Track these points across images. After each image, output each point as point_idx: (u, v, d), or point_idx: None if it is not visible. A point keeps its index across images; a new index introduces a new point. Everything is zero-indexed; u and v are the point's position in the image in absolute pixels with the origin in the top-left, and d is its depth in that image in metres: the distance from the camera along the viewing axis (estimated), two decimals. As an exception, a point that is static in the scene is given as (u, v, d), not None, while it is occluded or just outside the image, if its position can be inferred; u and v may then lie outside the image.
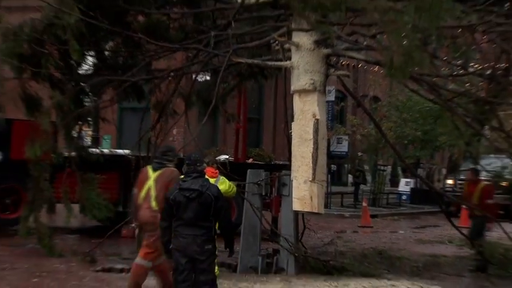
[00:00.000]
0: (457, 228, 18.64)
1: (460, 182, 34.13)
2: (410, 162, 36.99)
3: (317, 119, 14.63)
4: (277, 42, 16.09)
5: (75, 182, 16.87)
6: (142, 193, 12.50)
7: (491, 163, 27.73)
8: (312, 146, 14.48)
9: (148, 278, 12.66)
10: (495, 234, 17.91)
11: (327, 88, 16.05)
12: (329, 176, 16.52)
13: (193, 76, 18.79)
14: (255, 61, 17.35)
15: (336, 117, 39.97)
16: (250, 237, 16.52)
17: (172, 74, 18.30)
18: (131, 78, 17.45)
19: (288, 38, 15.32)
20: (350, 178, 41.67)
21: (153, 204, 12.24)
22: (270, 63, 17.00)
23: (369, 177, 41.35)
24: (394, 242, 22.08)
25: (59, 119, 16.66)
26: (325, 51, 15.17)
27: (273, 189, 18.29)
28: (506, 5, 15.47)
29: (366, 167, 42.33)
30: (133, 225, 15.90)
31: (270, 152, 29.81)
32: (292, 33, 15.29)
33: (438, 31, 13.16)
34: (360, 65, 25.06)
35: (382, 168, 42.51)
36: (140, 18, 17.45)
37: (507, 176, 27.23)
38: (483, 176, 29.41)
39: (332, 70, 15.78)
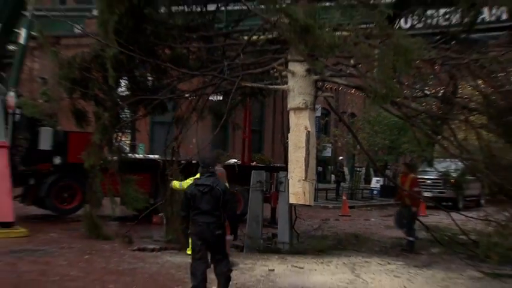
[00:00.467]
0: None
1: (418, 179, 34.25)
2: (379, 164, 37.02)
3: (308, 131, 14.83)
4: (276, 70, 16.17)
5: (117, 180, 16.90)
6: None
7: (447, 166, 27.88)
8: (305, 152, 14.70)
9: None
10: (446, 221, 17.97)
11: (316, 106, 16.12)
12: (317, 175, 16.53)
13: (208, 96, 18.80)
14: (259, 85, 17.43)
15: (321, 129, 40.00)
16: (253, 224, 16.69)
17: (191, 94, 18.36)
18: (159, 97, 17.58)
19: (285, 67, 15.44)
20: (333, 177, 41.70)
21: None
22: (270, 86, 17.08)
23: (347, 177, 41.59)
24: (367, 227, 22.09)
25: (102, 131, 16.68)
26: (315, 77, 15.33)
27: (272, 186, 18.42)
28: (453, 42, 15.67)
29: (345, 168, 42.57)
30: (161, 214, 15.99)
31: (269, 157, 29.75)
32: (288, 63, 15.39)
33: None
34: (340, 88, 25.05)
35: (358, 169, 42.88)
36: (166, 51, 17.49)
37: (454, 175, 27.41)
38: (436, 175, 29.68)
39: (320, 92, 15.93)
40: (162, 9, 17.58)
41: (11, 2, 19.87)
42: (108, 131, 16.75)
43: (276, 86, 16.89)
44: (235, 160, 24.81)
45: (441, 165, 28.70)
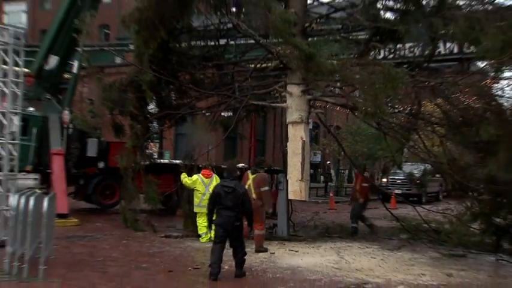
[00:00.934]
0: (387, 209, 18.65)
1: (391, 179, 34.16)
2: (360, 167, 37.17)
3: (304, 141, 14.99)
4: (276, 91, 16.20)
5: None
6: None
7: (412, 168, 27.96)
8: (301, 157, 14.88)
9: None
10: (412, 213, 17.77)
11: (309, 120, 16.17)
12: (310, 176, 16.60)
13: (220, 112, 18.84)
14: (263, 103, 17.43)
15: (313, 139, 39.94)
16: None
17: (207, 111, 18.38)
18: (181, 113, 17.69)
19: (284, 89, 15.49)
20: (322, 178, 41.72)
21: (253, 195, 13.52)
22: (273, 104, 17.07)
23: (334, 177, 41.59)
24: (346, 218, 22.02)
25: (135, 139, 16.71)
26: (308, 97, 15.45)
27: (273, 185, 18.37)
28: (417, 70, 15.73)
29: (332, 171, 42.55)
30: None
31: (271, 162, 29.63)
32: (287, 85, 15.45)
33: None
34: (328, 106, 25.08)
35: (342, 171, 42.94)
36: (187, 76, 17.54)
37: (417, 175, 27.50)
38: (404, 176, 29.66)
39: (312, 109, 16.06)
40: (184, 43, 17.60)
41: (67, 41, 19.96)
42: (140, 140, 16.87)
43: (277, 104, 16.92)
44: (243, 164, 24.78)
45: (408, 168, 28.85)
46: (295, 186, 14.78)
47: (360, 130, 34.56)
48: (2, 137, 13.52)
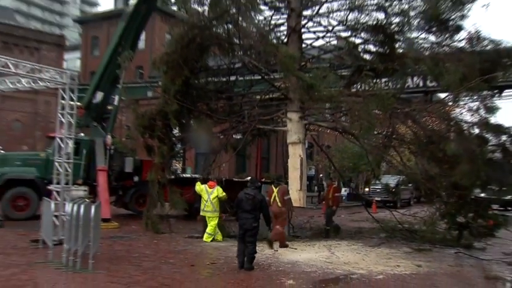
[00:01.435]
0: (369, 213, 18.65)
1: (372, 188, 34.03)
2: (346, 179, 37.18)
3: (301, 158, 15.15)
4: (279, 117, 16.37)
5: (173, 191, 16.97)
6: (272, 199, 13.78)
7: (395, 178, 27.98)
8: (300, 172, 14.91)
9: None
10: (389, 216, 17.69)
11: (305, 141, 16.30)
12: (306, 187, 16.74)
13: (232, 135, 18.88)
14: (268, 127, 17.58)
15: (308, 156, 39.93)
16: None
17: (220, 134, 18.48)
18: (201, 137, 17.61)
19: (285, 115, 15.65)
20: (316, 188, 41.57)
21: (279, 204, 13.64)
22: (276, 128, 17.23)
23: (325, 187, 41.42)
24: (339, 221, 21.86)
25: (162, 158, 16.76)
26: (305, 122, 15.65)
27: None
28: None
29: (324, 182, 42.44)
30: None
31: (274, 175, 29.71)
32: (287, 113, 15.59)
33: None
34: (320, 129, 25.21)
35: (333, 182, 42.71)
36: (204, 106, 17.62)
37: (390, 185, 27.47)
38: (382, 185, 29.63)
39: (308, 132, 16.16)
40: (202, 80, 17.68)
41: (110, 79, 20.20)
42: (166, 158, 16.78)
43: (279, 128, 17.16)
44: (251, 177, 24.90)
45: (387, 179, 28.85)
46: (296, 195, 14.92)
47: (347, 148, 34.54)
48: (60, 157, 13.78)
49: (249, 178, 22.12)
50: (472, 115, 14.22)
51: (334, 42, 17.28)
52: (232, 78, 18.10)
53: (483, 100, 13.83)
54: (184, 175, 25.25)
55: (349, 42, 16.44)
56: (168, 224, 16.92)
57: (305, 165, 15.88)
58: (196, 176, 20.39)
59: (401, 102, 15.48)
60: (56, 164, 14.05)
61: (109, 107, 21.11)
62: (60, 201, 13.36)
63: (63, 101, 13.97)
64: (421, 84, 20.41)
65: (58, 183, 13.82)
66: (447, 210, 14.52)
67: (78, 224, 10.33)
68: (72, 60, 56.69)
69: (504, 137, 14.41)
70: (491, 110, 13.89)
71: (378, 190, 31.20)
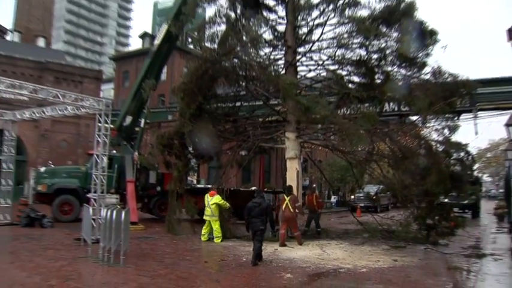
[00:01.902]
0: (355, 217, 18.59)
1: (357, 196, 33.88)
2: (335, 188, 37.09)
3: (298, 171, 15.14)
4: (278, 136, 16.40)
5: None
6: (284, 205, 13.87)
7: (376, 187, 27.96)
8: (296, 183, 14.87)
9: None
10: (371, 219, 17.61)
11: (300, 156, 16.28)
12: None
13: (238, 152, 18.85)
14: (269, 145, 17.58)
15: (303, 169, 39.79)
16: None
17: (228, 151, 18.50)
18: (211, 152, 17.67)
19: (283, 135, 15.69)
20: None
21: (291, 210, 13.71)
22: (276, 146, 17.22)
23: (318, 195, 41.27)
24: (329, 224, 21.86)
25: (179, 172, 16.68)
26: (300, 140, 15.64)
27: (276, 201, 18.33)
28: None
29: (317, 191, 42.21)
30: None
31: (274, 185, 29.68)
32: (285, 132, 15.62)
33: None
34: (313, 146, 25.23)
35: (323, 191, 42.56)
36: (214, 127, 17.57)
37: (371, 193, 27.27)
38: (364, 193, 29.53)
39: (303, 149, 16.19)
40: (213, 105, 17.59)
41: (137, 106, 20.34)
42: (182, 172, 16.63)
43: (278, 146, 17.13)
44: (255, 187, 24.83)
45: (370, 188, 28.82)
46: (292, 203, 14.86)
47: (335, 162, 34.44)
48: (97, 170, 13.90)
49: (253, 188, 22.20)
50: (438, 135, 14.37)
51: (324, 73, 17.36)
52: (238, 104, 18.09)
53: (446, 121, 14.00)
54: (198, 186, 25.30)
55: (337, 74, 16.50)
56: (185, 226, 16.90)
57: (301, 177, 15.87)
58: (209, 186, 20.44)
59: (380, 123, 15.51)
60: (94, 176, 14.20)
61: (136, 129, 21.26)
62: (97, 207, 13.49)
63: (99, 124, 14.15)
64: (396, 108, 20.44)
65: (95, 192, 13.95)
66: (418, 214, 14.54)
67: (111, 226, 10.42)
68: (107, 90, 57.24)
69: (462, 153, 14.56)
70: (453, 129, 14.09)
71: (362, 197, 31.16)
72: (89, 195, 14.88)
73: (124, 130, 20.59)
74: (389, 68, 15.79)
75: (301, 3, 16.48)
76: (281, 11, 16.97)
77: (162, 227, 17.76)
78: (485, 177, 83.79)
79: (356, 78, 16.85)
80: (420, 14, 15.30)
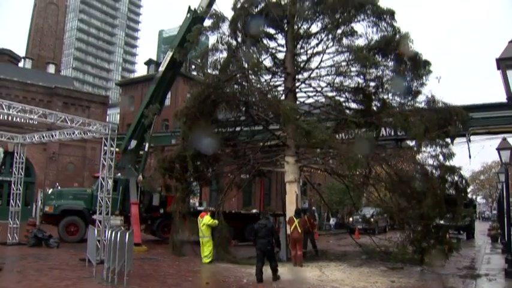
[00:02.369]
0: (353, 239, 18.52)
1: (356, 218, 33.68)
2: (334, 211, 36.93)
3: (297, 194, 15.05)
4: (278, 160, 16.40)
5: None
6: (293, 227, 13.93)
7: (373, 210, 27.77)
8: (295, 206, 14.80)
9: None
10: (369, 241, 17.47)
11: (300, 180, 16.24)
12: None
13: (239, 175, 18.77)
14: (269, 168, 17.57)
15: (302, 192, 39.61)
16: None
17: (228, 174, 18.46)
18: (211, 175, 17.76)
19: (283, 159, 15.68)
20: (309, 218, 41.12)
21: (300, 231, 13.77)
22: (276, 169, 17.21)
23: (317, 218, 40.96)
24: (328, 246, 21.68)
25: (180, 195, 16.67)
26: (300, 164, 15.61)
27: (276, 223, 18.19)
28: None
29: (316, 213, 42.01)
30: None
31: (274, 208, 29.51)
32: (285, 156, 15.61)
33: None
34: (312, 170, 25.17)
35: (322, 213, 42.31)
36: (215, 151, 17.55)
37: (367, 216, 27.07)
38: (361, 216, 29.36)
39: (302, 172, 16.15)
40: (214, 129, 17.58)
41: (142, 130, 20.37)
42: (183, 195, 16.64)
43: (278, 169, 17.11)
44: (256, 210, 24.76)
45: (367, 211, 28.67)
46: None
47: (334, 186, 34.39)
48: (102, 192, 13.90)
49: (254, 211, 22.09)
50: (433, 160, 14.38)
51: (322, 99, 17.46)
52: (238, 128, 18.06)
53: (441, 148, 14.05)
54: (199, 208, 25.18)
55: (335, 100, 16.59)
56: (188, 248, 16.78)
57: (300, 200, 15.80)
58: (211, 208, 20.39)
59: (377, 148, 15.54)
60: (99, 198, 14.19)
61: (141, 152, 21.28)
62: (102, 228, 13.42)
63: (105, 148, 14.22)
64: (392, 133, 20.50)
65: (100, 213, 13.92)
66: (414, 237, 14.45)
67: (116, 247, 10.35)
68: (113, 115, 57.68)
69: (456, 177, 14.56)
70: (448, 156, 14.10)
71: (360, 219, 31.03)
72: (94, 216, 14.86)
73: (129, 153, 20.59)
74: (385, 96, 15.91)
75: (300, 32, 16.66)
76: (281, 39, 17.17)
77: (164, 248, 17.64)
78: (479, 199, 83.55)
79: (353, 105, 16.95)
80: (415, 45, 15.53)
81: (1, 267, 11.63)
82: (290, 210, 15.11)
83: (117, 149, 15.37)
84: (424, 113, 14.29)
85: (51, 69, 44.11)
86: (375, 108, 16.14)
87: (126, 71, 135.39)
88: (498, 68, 7.42)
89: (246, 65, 14.86)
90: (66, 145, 31.83)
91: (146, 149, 21.17)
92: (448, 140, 14.69)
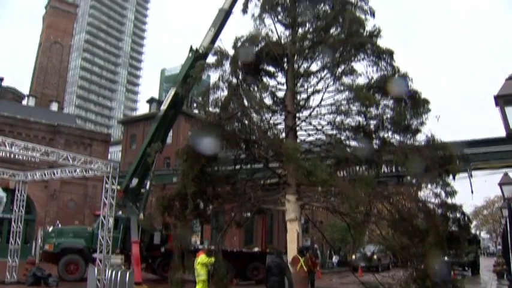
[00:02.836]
0: (356, 277, 18.24)
1: (359, 256, 33.25)
2: (336, 249, 36.50)
3: (298, 233, 14.88)
4: (279, 198, 16.35)
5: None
6: (299, 266, 13.42)
7: (376, 248, 27.51)
8: (296, 244, 14.66)
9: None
10: (372, 278, 17.17)
11: (301, 218, 16.14)
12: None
13: (239, 213, 18.61)
14: (270, 206, 17.49)
15: (304, 230, 39.37)
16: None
17: (229, 212, 18.33)
18: (211, 213, 17.50)
19: (284, 197, 15.63)
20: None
21: (305, 270, 13.41)
22: (277, 208, 17.12)
23: (319, 256, 40.50)
24: (331, 285, 21.35)
25: (181, 231, 16.54)
26: (301, 202, 15.52)
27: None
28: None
29: (318, 251, 41.54)
30: None
31: (276, 246, 29.22)
32: (286, 195, 15.56)
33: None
34: (314, 208, 25.06)
35: (325, 251, 41.83)
36: (214, 190, 17.43)
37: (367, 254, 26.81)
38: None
39: (303, 210, 16.05)
40: (214, 168, 17.56)
41: (143, 168, 20.45)
42: (182, 232, 16.47)
43: (279, 207, 17.01)
44: (257, 248, 24.51)
45: (368, 249, 28.37)
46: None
47: (336, 223, 34.17)
48: (102, 230, 13.85)
49: (256, 249, 21.85)
50: (435, 198, 14.34)
51: (323, 138, 17.53)
52: (238, 166, 18.02)
53: (443, 186, 14.05)
54: (200, 246, 24.93)
55: (336, 138, 16.67)
56: (188, 286, 16.52)
57: (301, 239, 15.65)
58: (212, 247, 20.19)
59: (378, 185, 15.51)
60: (100, 236, 14.13)
61: (142, 190, 21.29)
62: (102, 267, 13.29)
63: (106, 186, 14.27)
64: (393, 170, 20.57)
65: (101, 252, 13.82)
66: (417, 275, 14.20)
67: (116, 287, 10.24)
68: (115, 153, 57.91)
69: (458, 214, 14.48)
70: (450, 194, 14.07)
71: (363, 257, 30.70)
72: (94, 255, 14.75)
73: (130, 192, 20.61)
74: (385, 134, 16.03)
75: (301, 71, 16.87)
76: (281, 78, 17.31)
77: (165, 287, 17.37)
78: (483, 234, 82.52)
79: (354, 143, 17.02)
80: (414, 84, 15.69)
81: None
82: (291, 248, 14.94)
83: (118, 187, 15.39)
84: (424, 150, 14.36)
85: (54, 107, 44.70)
86: (375, 146, 16.21)
87: (128, 109, 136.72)
88: (496, 105, 7.51)
89: (248, 103, 15.02)
90: (68, 183, 31.86)
91: (148, 187, 21.22)
92: (450, 178, 14.68)
